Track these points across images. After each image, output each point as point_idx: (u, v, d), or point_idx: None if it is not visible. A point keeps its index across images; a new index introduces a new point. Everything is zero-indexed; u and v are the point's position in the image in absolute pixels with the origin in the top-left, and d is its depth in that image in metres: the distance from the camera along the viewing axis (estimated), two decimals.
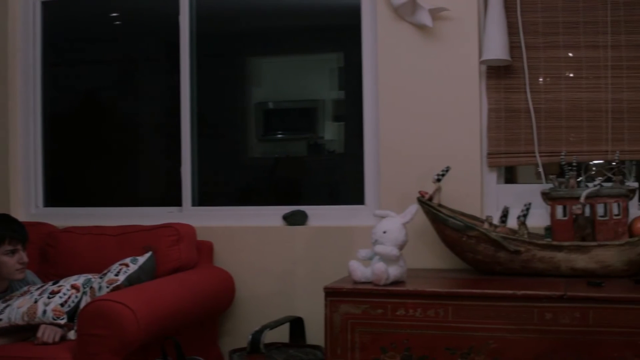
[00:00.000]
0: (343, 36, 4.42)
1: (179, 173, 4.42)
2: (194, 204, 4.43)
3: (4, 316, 3.51)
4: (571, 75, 3.79)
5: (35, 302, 3.52)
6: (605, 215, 3.44)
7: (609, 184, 3.51)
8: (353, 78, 4.21)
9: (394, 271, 3.27)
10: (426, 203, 3.60)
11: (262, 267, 4.14)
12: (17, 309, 3.51)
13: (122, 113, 4.88)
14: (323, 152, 4.76)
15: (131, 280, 3.60)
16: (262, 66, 4.95)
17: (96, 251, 4.02)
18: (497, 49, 3.70)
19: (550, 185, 3.57)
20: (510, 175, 4.00)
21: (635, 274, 3.35)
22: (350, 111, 4.44)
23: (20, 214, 4.50)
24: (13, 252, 3.64)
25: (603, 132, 3.74)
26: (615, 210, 3.43)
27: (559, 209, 3.50)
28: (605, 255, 3.35)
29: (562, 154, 3.67)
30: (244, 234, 4.18)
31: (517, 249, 3.42)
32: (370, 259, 3.35)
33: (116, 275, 3.61)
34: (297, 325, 3.91)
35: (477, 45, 3.84)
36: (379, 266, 3.23)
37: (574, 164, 3.56)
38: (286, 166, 4.82)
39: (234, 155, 4.85)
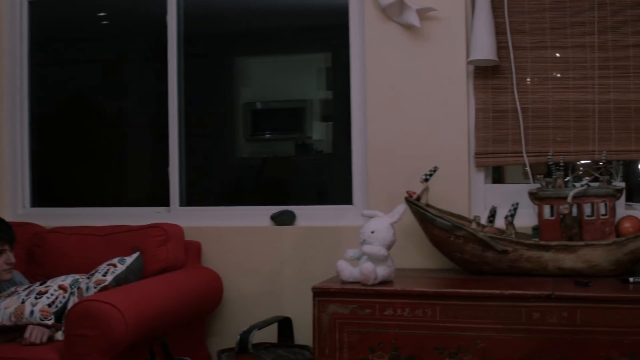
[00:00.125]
0: (331, 36, 4.42)
1: (166, 173, 4.41)
2: (181, 204, 4.43)
3: None
4: (558, 75, 3.80)
5: (23, 302, 3.51)
6: (592, 215, 3.45)
7: (596, 184, 3.52)
8: (341, 78, 4.22)
9: (382, 271, 3.27)
10: (414, 203, 3.60)
11: (250, 267, 4.13)
12: (4, 310, 3.50)
13: (110, 113, 4.86)
14: (311, 152, 4.76)
15: (119, 281, 3.60)
16: (250, 66, 4.95)
17: (84, 251, 4.01)
18: (484, 49, 3.71)
19: (538, 185, 3.58)
20: (498, 175, 4.02)
21: (622, 274, 3.36)
22: (338, 111, 4.44)
23: (8, 214, 4.48)
24: (0, 252, 3.63)
25: (590, 132, 3.75)
26: (603, 210, 3.44)
27: (547, 209, 3.51)
28: (593, 255, 3.36)
29: (550, 154, 3.68)
30: (232, 234, 4.18)
31: (505, 248, 3.43)
32: (358, 258, 3.36)
33: (104, 275, 3.60)
34: (285, 325, 3.91)
35: (465, 46, 3.84)
36: (366, 266, 3.24)
37: (561, 164, 3.57)
38: (274, 166, 4.82)
39: (222, 155, 4.84)
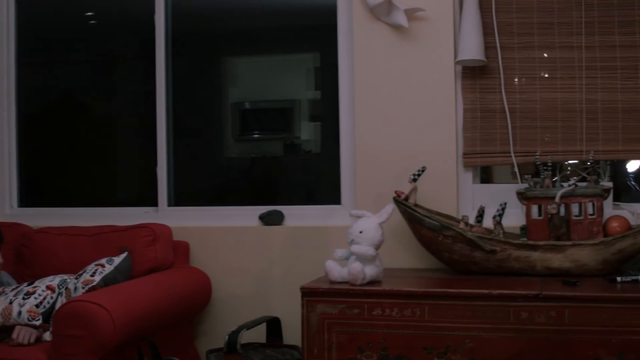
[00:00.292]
0: (319, 36, 4.43)
1: (155, 173, 4.40)
2: (170, 204, 4.42)
3: None
4: (546, 75, 3.81)
5: (10, 303, 3.50)
6: (580, 214, 3.47)
7: (584, 184, 3.53)
8: (329, 78, 4.22)
9: (370, 271, 3.28)
10: (402, 203, 3.60)
11: (238, 267, 4.13)
12: None
13: (98, 113, 4.85)
14: (299, 152, 4.75)
15: (107, 281, 3.59)
16: (239, 66, 4.94)
17: (72, 252, 4.00)
18: (472, 50, 3.72)
19: (526, 185, 3.59)
20: (486, 175, 4.02)
21: (609, 273, 3.37)
22: (327, 111, 4.44)
23: None
24: None
25: (577, 132, 3.76)
26: (590, 210, 3.46)
27: (534, 209, 3.52)
28: (580, 255, 3.37)
29: (537, 153, 3.69)
30: (221, 234, 4.17)
31: (493, 248, 3.44)
32: (347, 258, 3.36)
33: (92, 275, 3.59)
34: (274, 325, 3.91)
35: (453, 46, 3.85)
36: (355, 266, 3.24)
37: (549, 164, 3.58)
38: (262, 166, 4.82)
39: (210, 155, 4.83)
